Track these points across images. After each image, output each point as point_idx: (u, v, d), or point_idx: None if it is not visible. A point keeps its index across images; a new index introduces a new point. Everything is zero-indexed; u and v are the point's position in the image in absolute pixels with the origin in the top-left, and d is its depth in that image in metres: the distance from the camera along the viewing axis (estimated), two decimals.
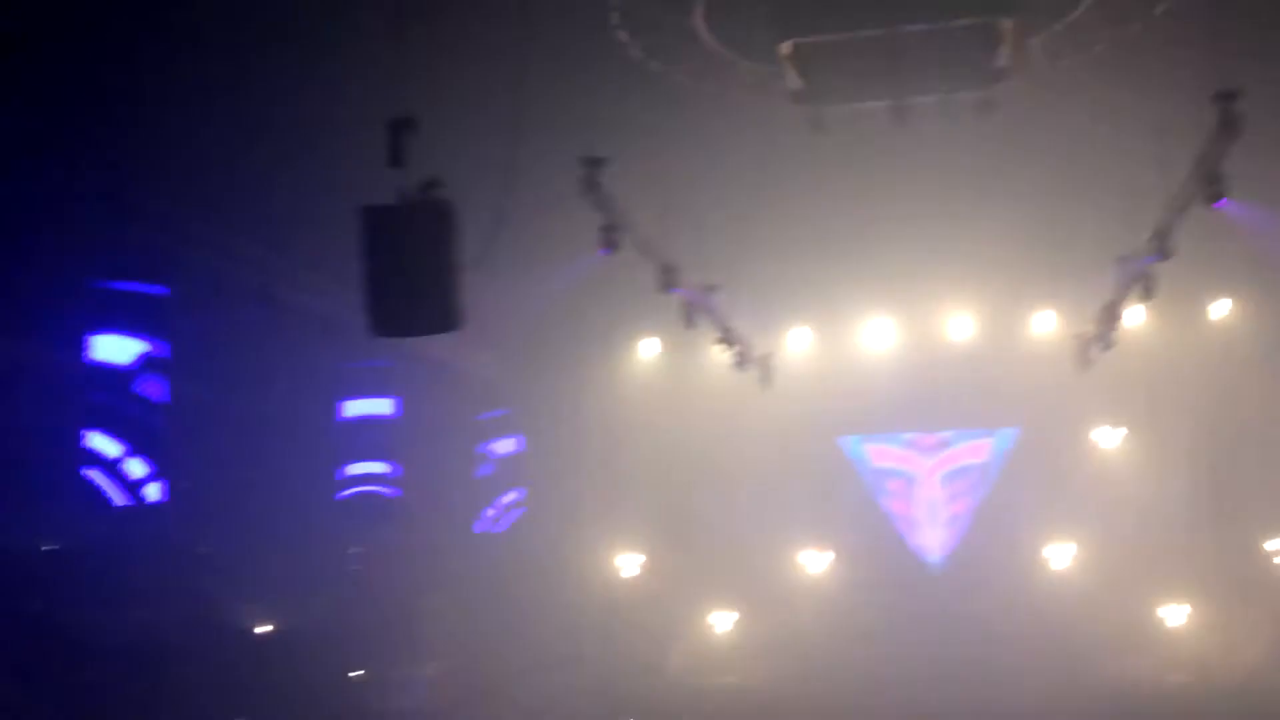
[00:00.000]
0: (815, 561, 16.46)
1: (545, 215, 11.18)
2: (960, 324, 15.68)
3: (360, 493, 15.48)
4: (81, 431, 12.80)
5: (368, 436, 15.55)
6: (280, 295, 13.06)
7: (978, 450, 16.74)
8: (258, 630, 13.87)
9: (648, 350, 15.82)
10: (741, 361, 14.37)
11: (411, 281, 9.77)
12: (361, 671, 14.17)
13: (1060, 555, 16.06)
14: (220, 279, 12.84)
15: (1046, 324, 15.60)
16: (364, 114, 9.81)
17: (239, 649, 13.30)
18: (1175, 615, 15.33)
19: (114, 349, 13.21)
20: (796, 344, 16.00)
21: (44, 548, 12.75)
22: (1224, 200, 11.58)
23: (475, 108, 9.92)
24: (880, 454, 16.76)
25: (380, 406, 15.45)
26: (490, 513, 16.74)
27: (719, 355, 14.12)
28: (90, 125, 9.99)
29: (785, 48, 10.17)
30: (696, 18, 10.18)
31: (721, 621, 16.15)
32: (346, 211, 9.81)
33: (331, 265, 10.83)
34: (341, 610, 14.08)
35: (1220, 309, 14.74)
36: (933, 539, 16.65)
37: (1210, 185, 11.19)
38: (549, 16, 9.73)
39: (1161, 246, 12.16)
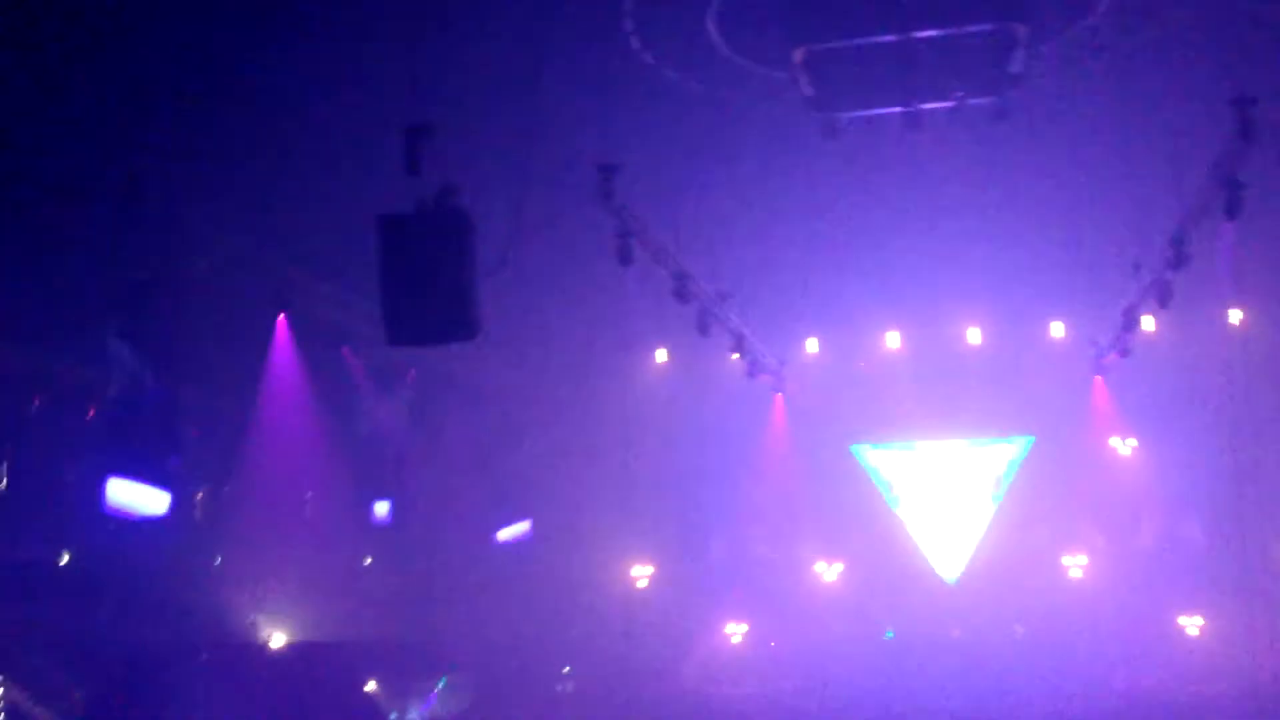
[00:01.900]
0: (828, 571, 16.43)
1: (560, 223, 11.22)
2: (975, 331, 15.63)
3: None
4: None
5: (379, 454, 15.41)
6: (296, 303, 13.11)
7: (993, 458, 16.70)
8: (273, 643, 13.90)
9: (661, 358, 15.82)
10: (755, 370, 14.35)
11: (428, 290, 9.83)
12: (373, 684, 14.18)
13: (1076, 564, 16.00)
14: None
15: (1062, 331, 15.54)
16: (379, 121, 9.91)
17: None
18: (1193, 625, 15.25)
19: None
20: (810, 352, 15.97)
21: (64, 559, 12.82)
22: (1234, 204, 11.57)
23: (491, 116, 9.97)
24: (893, 462, 16.71)
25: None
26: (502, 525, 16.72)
27: (732, 364, 14.10)
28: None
29: (798, 54, 10.21)
30: (709, 25, 10.20)
31: (734, 632, 16.12)
32: (363, 220, 9.92)
33: (349, 274, 10.92)
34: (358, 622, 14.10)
35: (1237, 315, 14.67)
36: (948, 548, 16.60)
37: (1227, 191, 11.33)
38: (562, 25, 9.79)
39: (1178, 253, 12.18)
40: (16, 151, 9.95)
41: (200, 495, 13.71)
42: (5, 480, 12.23)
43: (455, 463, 15.29)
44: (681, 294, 11.85)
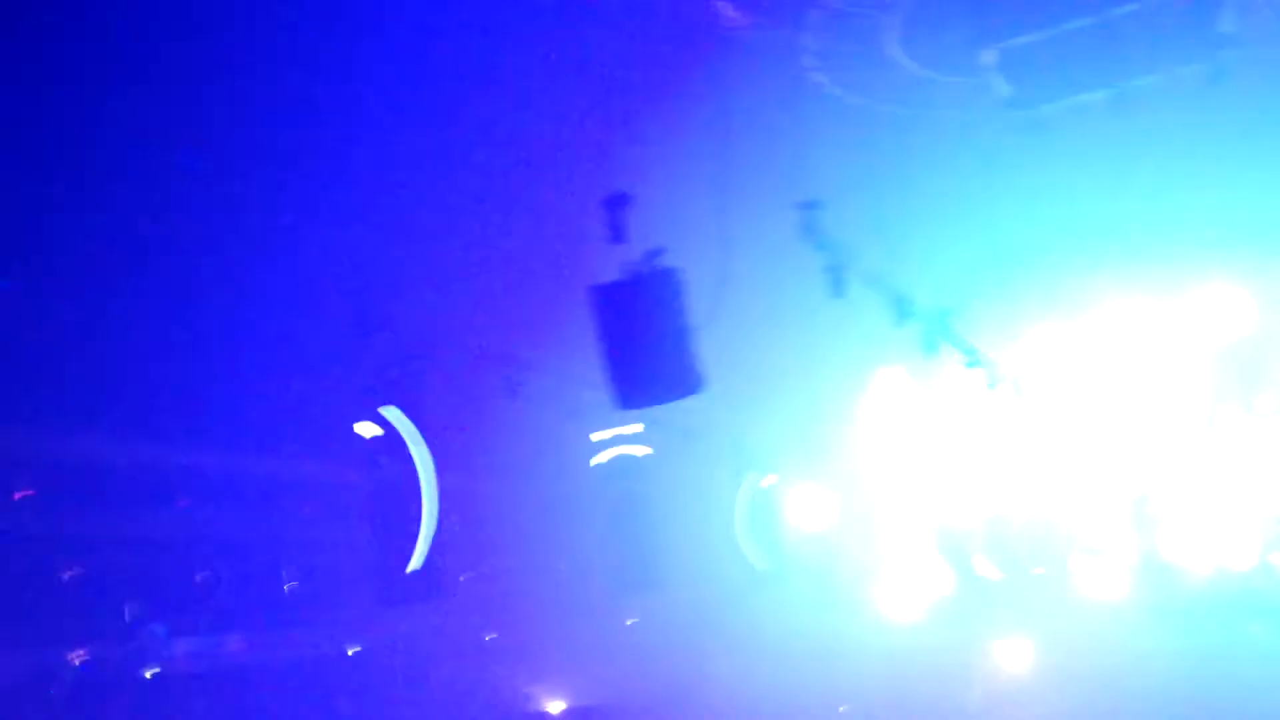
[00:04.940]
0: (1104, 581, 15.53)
1: (769, 266, 11.20)
2: (1222, 301, 14.55)
3: None
4: None
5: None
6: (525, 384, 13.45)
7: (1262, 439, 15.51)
8: None
9: (892, 382, 15.50)
10: (992, 380, 13.93)
11: (648, 351, 9.99)
12: None
13: None
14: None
15: None
16: (581, 194, 10.15)
17: None
18: None
19: None
20: (1044, 349, 15.28)
21: None
22: None
23: (686, 176, 10.07)
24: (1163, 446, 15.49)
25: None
26: None
27: (966, 378, 13.71)
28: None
29: (989, 55, 9.94)
30: (891, 45, 10.04)
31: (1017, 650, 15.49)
32: (577, 291, 10.15)
33: (572, 347, 11.17)
34: None
35: None
36: (1208, 540, 15.33)
37: None
38: (742, 72, 9.84)
39: None
40: None
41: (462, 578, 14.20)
42: None
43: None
44: (901, 316, 11.64)
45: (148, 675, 12.00)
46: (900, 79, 10.28)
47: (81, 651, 11.58)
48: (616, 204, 9.91)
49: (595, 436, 13.88)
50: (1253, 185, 12.11)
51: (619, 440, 13.88)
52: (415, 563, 11.16)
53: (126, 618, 12.22)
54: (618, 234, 9.86)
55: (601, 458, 14.01)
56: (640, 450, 13.97)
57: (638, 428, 13.77)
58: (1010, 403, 14.60)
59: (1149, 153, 11.66)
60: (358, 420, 11.41)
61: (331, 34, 8.47)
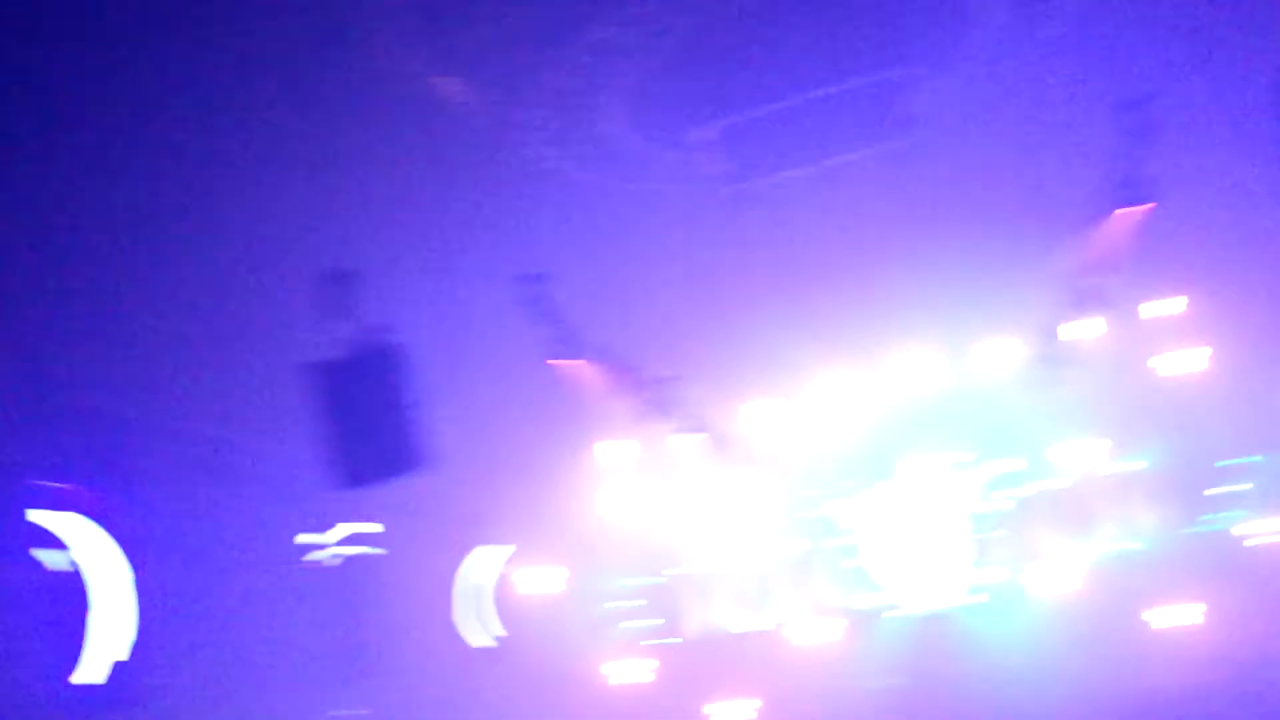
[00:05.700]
0: (820, 632, 16.08)
1: (495, 339, 11.09)
2: (919, 364, 15.53)
3: None
4: None
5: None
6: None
7: (951, 486, 16.54)
8: None
9: (619, 453, 15.60)
10: (711, 447, 14.29)
11: (370, 431, 9.65)
12: None
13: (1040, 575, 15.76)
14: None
15: (1001, 350, 15.54)
16: (297, 269, 9.71)
17: None
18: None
19: None
20: (763, 418, 15.81)
21: None
22: (1143, 205, 12.16)
23: (408, 250, 9.85)
24: (852, 508, 16.45)
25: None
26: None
27: (688, 445, 13.99)
28: None
29: (704, 133, 10.28)
30: (614, 121, 10.20)
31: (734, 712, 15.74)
32: (294, 369, 9.68)
33: (287, 426, 10.62)
34: None
35: (1161, 309, 14.73)
36: (910, 582, 16.30)
37: (1128, 191, 11.90)
38: (465, 145, 9.74)
39: (1096, 260, 12.58)
40: None
41: None
42: None
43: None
44: (629, 385, 11.78)
45: None
46: (623, 154, 10.45)
47: None
48: (336, 279, 9.57)
49: (315, 521, 13.28)
50: (942, 256, 13.01)
51: (342, 521, 13.33)
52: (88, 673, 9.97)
53: None
54: (338, 309, 9.52)
55: (322, 540, 13.42)
56: (366, 529, 13.47)
57: (365, 517, 13.28)
58: (727, 467, 14.99)
59: (849, 226, 12.34)
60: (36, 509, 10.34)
61: None
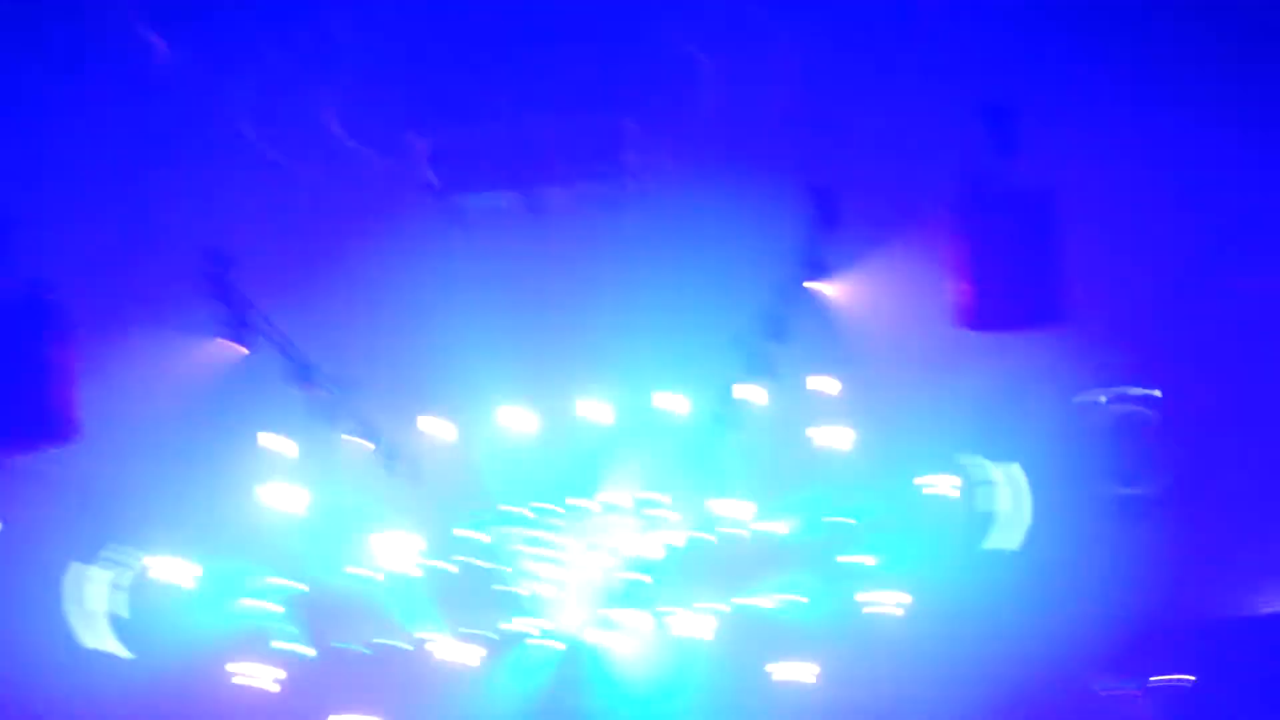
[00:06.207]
0: (461, 654, 16.08)
1: (171, 314, 10.61)
2: (597, 404, 15.90)
3: None
4: None
5: None
6: None
7: (621, 525, 16.96)
8: None
9: (287, 450, 15.07)
10: (381, 457, 14.13)
11: (18, 395, 9.05)
12: None
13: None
14: None
15: (676, 403, 16.09)
16: None
17: None
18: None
19: None
20: (438, 434, 15.72)
21: None
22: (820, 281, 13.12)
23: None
24: (521, 534, 16.60)
25: None
26: None
27: (358, 451, 13.79)
28: None
29: (418, 143, 10.26)
30: (326, 115, 10.03)
31: None
32: None
33: None
34: None
35: (826, 384, 15.66)
36: (578, 613, 16.63)
37: (809, 269, 12.91)
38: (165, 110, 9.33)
39: (771, 327, 13.39)
40: None
41: None
42: None
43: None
44: (305, 382, 11.49)
45: None
46: (333, 151, 10.28)
47: None
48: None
49: None
50: (634, 302, 13.46)
51: None
52: None
53: None
54: None
55: None
56: None
57: None
58: (392, 478, 14.83)
59: (551, 258, 12.57)
60: None
61: None
